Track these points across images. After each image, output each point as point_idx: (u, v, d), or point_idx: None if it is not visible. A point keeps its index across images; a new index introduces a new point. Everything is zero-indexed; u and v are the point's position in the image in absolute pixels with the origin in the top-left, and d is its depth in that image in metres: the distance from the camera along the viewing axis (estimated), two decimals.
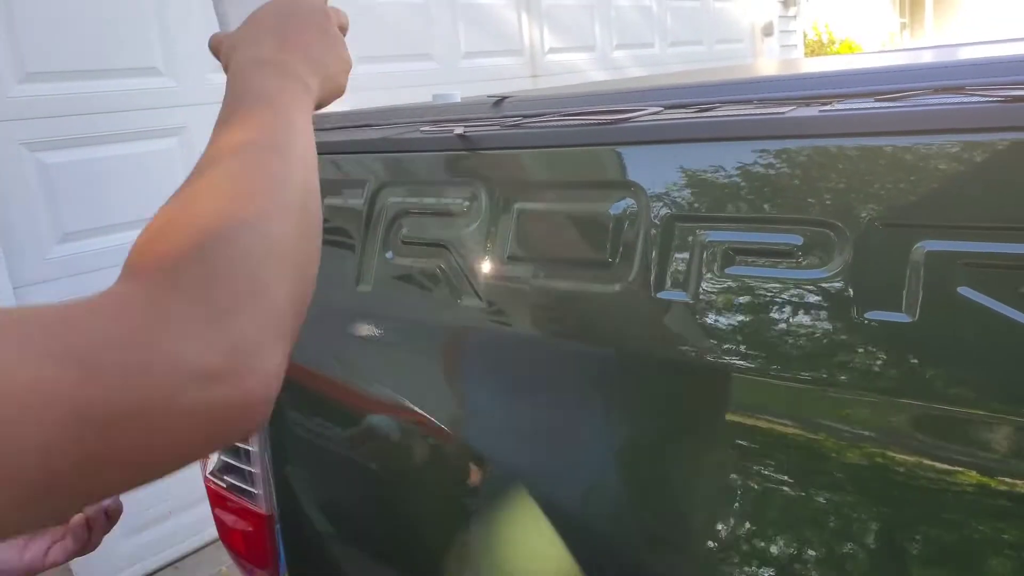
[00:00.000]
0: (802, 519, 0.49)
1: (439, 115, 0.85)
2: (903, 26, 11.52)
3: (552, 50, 3.52)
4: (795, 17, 5.26)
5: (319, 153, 0.82)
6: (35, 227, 1.95)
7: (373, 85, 2.40)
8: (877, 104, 0.50)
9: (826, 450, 0.49)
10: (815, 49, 8.51)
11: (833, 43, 8.86)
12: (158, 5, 2.14)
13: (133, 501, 2.15)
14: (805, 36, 6.29)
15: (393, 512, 0.79)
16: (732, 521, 0.53)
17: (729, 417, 0.53)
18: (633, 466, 0.59)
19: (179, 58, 2.20)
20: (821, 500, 0.48)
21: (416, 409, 0.73)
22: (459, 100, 0.92)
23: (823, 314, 0.48)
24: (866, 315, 0.45)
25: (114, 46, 2.06)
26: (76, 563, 2.01)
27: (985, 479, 0.42)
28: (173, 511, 2.27)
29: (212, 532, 2.33)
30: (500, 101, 0.80)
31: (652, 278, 0.54)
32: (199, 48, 2.39)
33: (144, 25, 2.12)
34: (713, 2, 4.53)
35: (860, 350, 0.46)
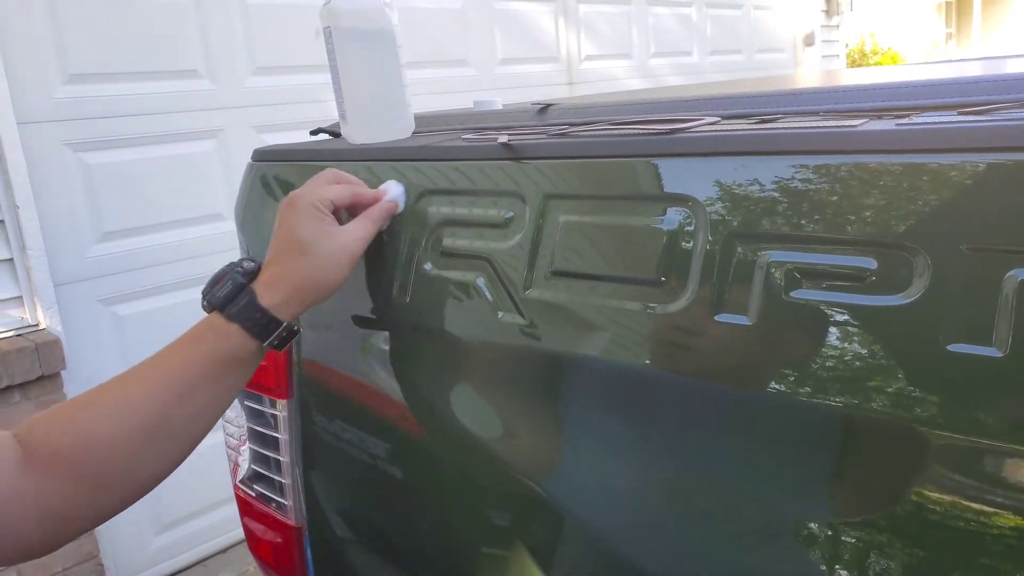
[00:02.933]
0: (890, 569, 0.45)
1: (481, 123, 0.83)
2: (949, 36, 11.26)
3: (588, 57, 3.49)
4: (838, 27, 5.16)
5: (355, 160, 0.81)
6: (76, 226, 1.97)
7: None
8: (961, 118, 0.46)
9: (897, 491, 0.45)
10: (857, 60, 8.35)
11: (876, 53, 8.69)
12: (198, 9, 2.16)
13: (162, 500, 2.17)
14: (847, 46, 6.18)
15: (423, 528, 0.77)
16: (779, 558, 0.50)
17: (788, 451, 0.50)
18: (676, 495, 0.56)
19: (218, 61, 2.21)
20: (903, 545, 0.44)
21: (450, 423, 0.70)
22: (501, 107, 0.90)
23: (899, 345, 0.44)
24: (949, 347, 0.42)
25: (155, 49, 2.09)
26: (107, 559, 2.03)
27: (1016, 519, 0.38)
28: (201, 510, 2.28)
29: (240, 532, 2.34)
30: (545, 109, 0.78)
31: (709, 299, 0.51)
32: (238, 51, 2.44)
33: (184, 28, 2.14)
34: (754, 11, 4.46)
35: (941, 386, 0.42)
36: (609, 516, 0.59)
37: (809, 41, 4.92)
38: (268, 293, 0.62)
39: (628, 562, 0.58)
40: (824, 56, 5.08)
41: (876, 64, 8.67)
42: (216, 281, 0.63)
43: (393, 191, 0.72)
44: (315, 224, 0.63)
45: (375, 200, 0.70)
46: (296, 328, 0.64)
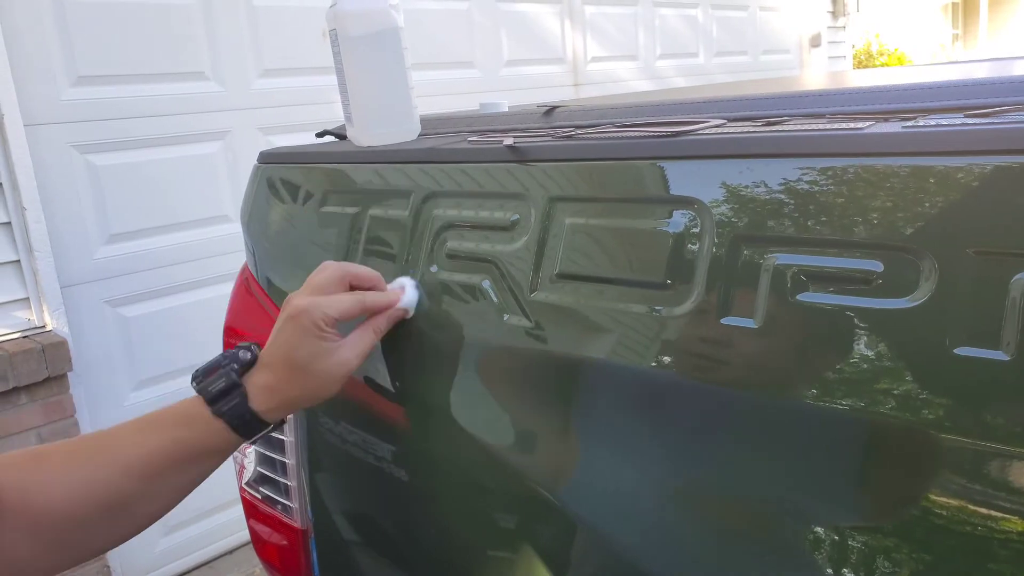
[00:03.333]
0: (897, 574, 0.45)
1: (487, 125, 0.83)
2: (955, 37, 11.23)
3: (595, 59, 3.49)
4: (844, 28, 5.15)
5: (365, 163, 0.81)
6: (83, 228, 1.98)
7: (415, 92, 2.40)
8: (967, 120, 0.46)
9: (903, 495, 0.45)
10: (863, 61, 8.33)
11: (883, 54, 8.67)
12: (205, 11, 2.17)
13: None
14: (853, 47, 6.16)
15: (429, 531, 0.76)
16: (779, 561, 0.49)
17: (794, 455, 0.50)
18: (681, 498, 0.56)
19: (225, 63, 2.22)
20: (909, 550, 0.44)
21: (455, 426, 0.70)
22: (507, 109, 0.90)
23: (905, 348, 0.44)
24: (956, 351, 0.42)
25: (162, 51, 2.09)
26: (113, 560, 2.04)
27: None
28: (208, 512, 2.28)
29: (246, 533, 2.34)
30: (551, 111, 0.78)
31: (715, 302, 0.51)
32: (245, 53, 2.45)
33: (191, 30, 2.15)
34: (760, 12, 4.45)
35: (948, 389, 0.42)
36: (615, 520, 0.59)
37: (815, 42, 4.91)
38: (260, 398, 0.62)
39: (632, 566, 0.58)
40: (830, 57, 5.07)
41: (882, 65, 8.65)
42: (210, 371, 0.63)
43: (406, 298, 0.68)
44: (314, 344, 0.62)
45: (385, 307, 0.67)
46: (277, 425, 0.65)
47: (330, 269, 0.67)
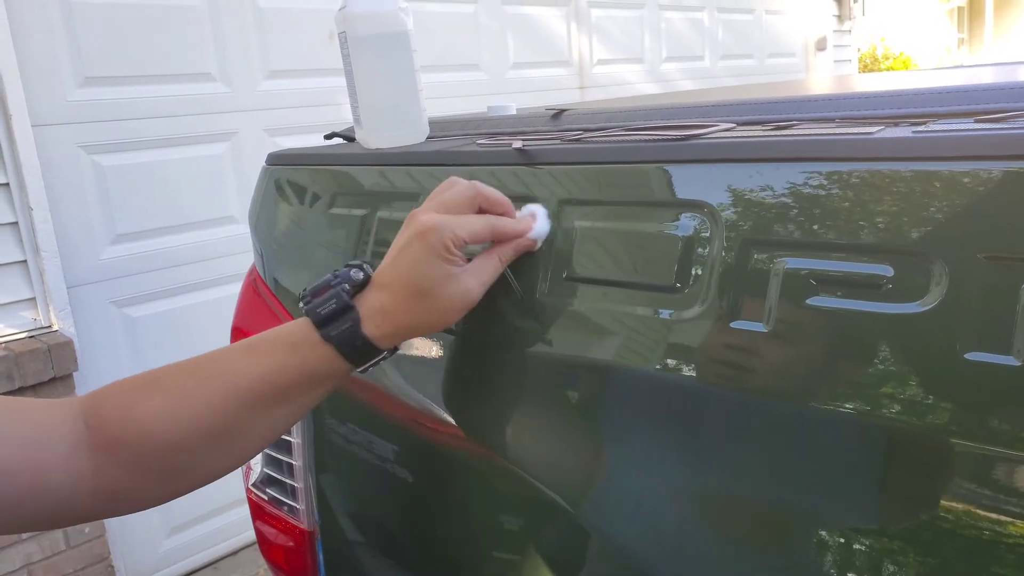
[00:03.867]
0: None
1: (495, 127, 0.83)
2: (961, 41, 11.21)
3: (601, 62, 3.50)
4: (850, 32, 5.15)
5: (374, 165, 0.81)
6: (90, 228, 1.99)
7: None
8: (978, 125, 0.46)
9: (912, 500, 0.45)
10: (869, 64, 8.32)
11: (888, 58, 8.66)
12: (212, 12, 2.18)
13: (174, 503, 2.17)
14: (859, 51, 6.15)
15: (436, 533, 0.77)
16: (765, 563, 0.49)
17: (801, 459, 0.50)
18: (690, 503, 0.56)
19: (232, 64, 2.23)
20: (916, 554, 0.44)
21: (462, 428, 0.71)
22: (515, 112, 0.90)
23: (915, 353, 0.44)
24: (966, 356, 0.42)
25: (169, 52, 2.10)
26: (117, 560, 2.04)
27: None
28: (213, 512, 2.29)
29: (249, 535, 2.34)
30: (559, 114, 0.78)
31: (724, 306, 0.51)
32: (251, 55, 2.46)
33: (198, 32, 2.16)
34: (766, 15, 4.46)
35: (958, 394, 0.42)
36: (622, 523, 0.59)
37: (821, 46, 4.91)
38: (373, 323, 0.57)
39: (639, 569, 0.58)
40: (836, 61, 5.06)
41: (888, 69, 8.64)
42: (319, 291, 0.58)
43: (537, 227, 0.62)
44: (441, 267, 0.56)
45: (515, 235, 0.61)
46: (390, 352, 0.60)
47: (460, 186, 0.60)
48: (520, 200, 0.66)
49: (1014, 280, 0.40)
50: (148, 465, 0.55)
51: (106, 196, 2.01)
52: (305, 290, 0.59)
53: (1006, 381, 0.40)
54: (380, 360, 0.59)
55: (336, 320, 0.56)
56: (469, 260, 0.59)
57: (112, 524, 2.00)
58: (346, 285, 0.57)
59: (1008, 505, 0.41)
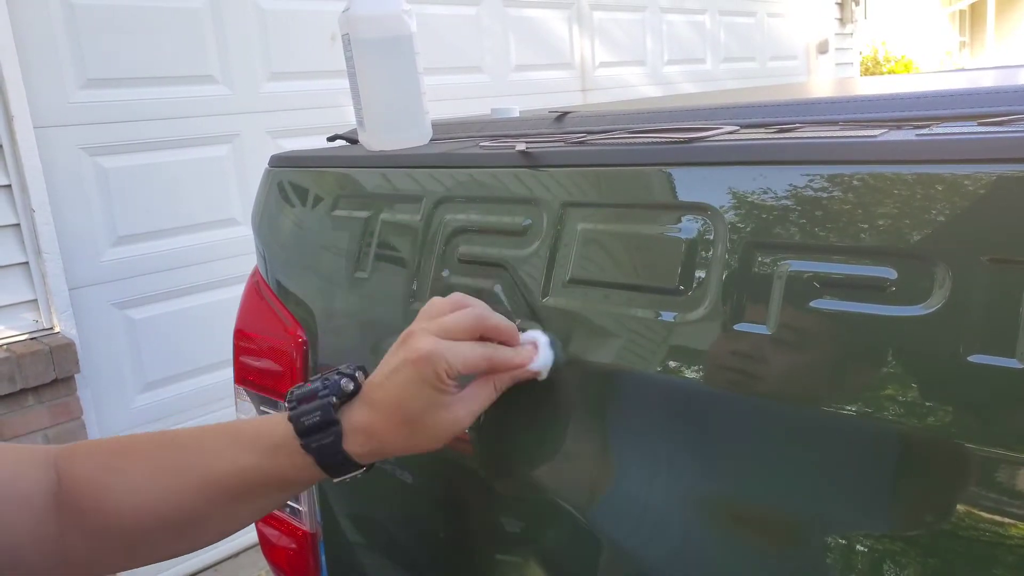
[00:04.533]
0: None
1: (499, 130, 0.84)
2: (963, 44, 11.21)
3: (603, 64, 3.50)
4: (851, 35, 5.15)
5: (377, 167, 0.81)
6: (91, 230, 1.99)
7: None
8: (981, 129, 0.46)
9: (916, 503, 0.45)
10: (870, 68, 8.33)
11: (889, 61, 8.66)
12: (214, 14, 2.18)
13: None
14: (861, 54, 6.16)
15: (439, 535, 0.77)
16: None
17: (803, 461, 0.50)
18: (694, 507, 0.56)
19: (234, 66, 2.23)
20: (928, 555, 0.44)
21: (464, 431, 0.70)
22: (518, 115, 0.90)
23: (919, 356, 0.44)
24: (969, 358, 0.42)
25: (171, 54, 2.11)
26: None
27: None
28: None
29: (251, 537, 2.34)
30: (562, 116, 0.78)
31: (728, 309, 0.51)
32: (254, 57, 2.45)
33: (201, 34, 2.16)
34: (767, 18, 4.46)
35: (962, 396, 0.42)
36: (627, 525, 0.59)
37: (823, 49, 4.91)
38: (356, 440, 0.56)
39: (638, 569, 0.58)
40: (837, 64, 5.07)
41: (889, 72, 8.64)
42: (307, 398, 0.57)
43: (540, 358, 0.59)
44: (431, 396, 0.55)
45: (514, 368, 0.58)
46: (367, 468, 0.59)
47: (462, 313, 0.58)
48: (523, 203, 0.66)
49: (1017, 283, 0.40)
50: (112, 540, 0.56)
51: (108, 198, 2.01)
52: (293, 392, 0.58)
53: (1009, 384, 0.40)
54: (356, 475, 0.58)
55: (319, 432, 0.55)
56: (463, 383, 0.57)
57: None
58: (333, 398, 0.56)
59: (1012, 507, 0.41)
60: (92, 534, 0.55)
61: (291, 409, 0.56)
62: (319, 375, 0.59)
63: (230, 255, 2.22)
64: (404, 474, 0.78)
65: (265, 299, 0.92)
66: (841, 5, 5.04)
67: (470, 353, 0.56)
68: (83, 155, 1.96)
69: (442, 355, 0.54)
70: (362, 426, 0.56)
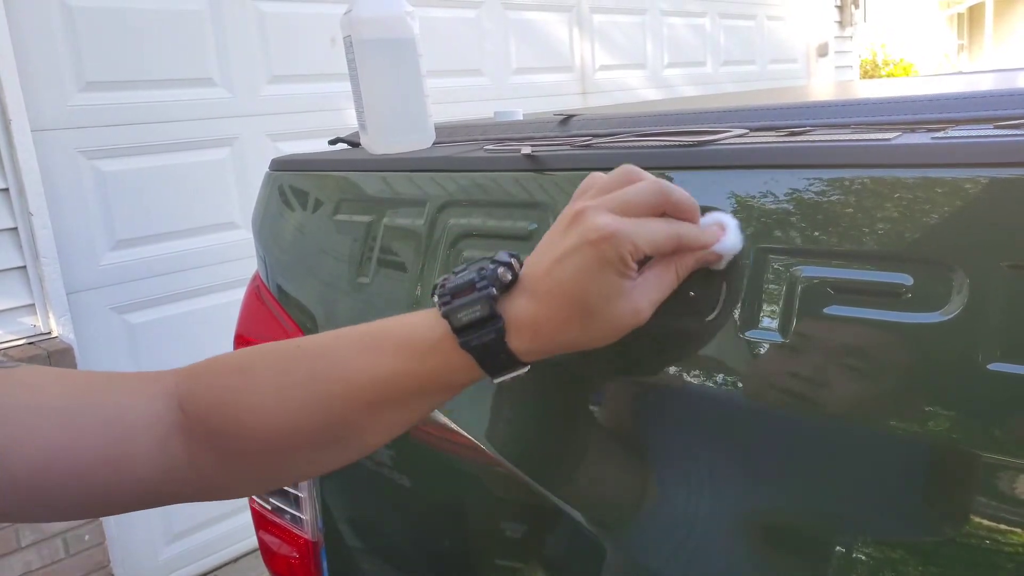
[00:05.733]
0: None
1: (502, 133, 0.83)
2: (961, 47, 11.23)
3: (603, 67, 3.49)
4: (851, 37, 5.15)
5: (379, 171, 0.80)
6: (90, 234, 1.98)
7: None
8: (998, 131, 0.45)
9: (934, 512, 0.44)
10: (869, 71, 8.34)
11: (888, 64, 8.68)
12: (214, 17, 2.17)
13: (172, 510, 2.16)
14: (860, 57, 6.16)
15: (442, 542, 0.76)
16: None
17: (815, 469, 0.49)
18: (699, 513, 0.55)
19: (233, 69, 2.23)
20: (945, 564, 0.43)
21: (467, 435, 0.70)
22: (521, 117, 0.90)
23: (937, 363, 0.43)
24: (989, 367, 0.41)
25: (170, 57, 2.10)
26: (117, 569, 2.03)
27: None
28: (213, 520, 2.27)
29: (251, 542, 2.32)
30: (567, 119, 0.77)
31: (739, 315, 0.50)
32: (253, 60, 2.45)
33: (200, 37, 2.15)
34: (767, 21, 4.46)
35: (980, 404, 0.41)
36: (626, 529, 0.58)
37: (822, 51, 4.91)
38: (521, 335, 0.48)
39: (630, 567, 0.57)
40: (837, 67, 5.07)
41: (889, 75, 8.67)
42: (461, 291, 0.49)
43: (727, 240, 0.50)
44: (612, 282, 0.46)
45: (699, 247, 0.50)
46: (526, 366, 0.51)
47: (643, 185, 0.49)
48: (528, 207, 0.65)
49: None
50: (249, 461, 0.51)
51: (106, 201, 2.00)
52: (442, 286, 0.50)
53: None
54: (519, 374, 0.50)
55: (479, 328, 0.48)
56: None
57: (112, 531, 1.99)
58: (493, 289, 0.48)
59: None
60: (225, 457, 0.51)
61: (444, 304, 0.49)
62: (465, 265, 0.52)
63: (230, 259, 2.21)
64: (407, 480, 0.77)
65: (266, 304, 0.91)
66: (841, 8, 5.05)
67: (657, 231, 0.47)
68: (81, 158, 1.95)
69: (627, 235, 0.46)
70: (527, 320, 0.48)
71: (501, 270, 0.49)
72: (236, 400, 0.51)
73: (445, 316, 0.48)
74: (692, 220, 0.50)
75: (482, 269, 0.49)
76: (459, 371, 0.49)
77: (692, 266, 0.50)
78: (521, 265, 0.50)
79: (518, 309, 0.48)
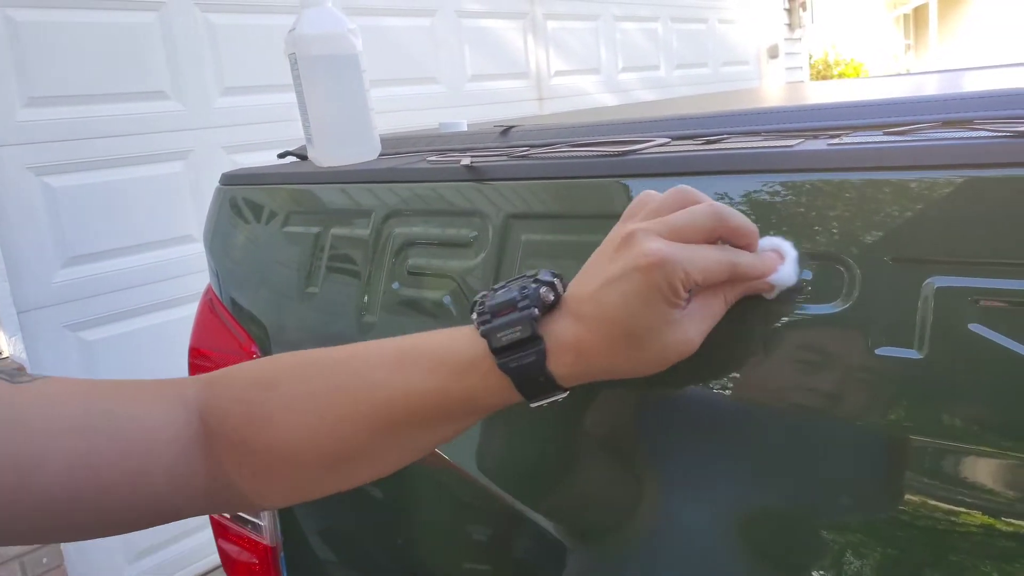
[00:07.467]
0: None
1: (446, 144, 0.86)
2: (908, 47, 11.56)
3: (558, 73, 3.54)
4: (800, 39, 5.29)
5: (327, 183, 0.82)
6: (40, 251, 1.96)
7: (381, 108, 2.42)
8: (886, 138, 0.50)
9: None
10: (821, 71, 8.55)
11: (839, 64, 8.90)
12: (164, 30, 2.17)
13: None
14: (811, 58, 6.32)
15: (403, 547, 0.78)
16: None
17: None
18: (666, 514, 0.58)
19: (185, 82, 2.22)
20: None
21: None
22: (466, 128, 0.93)
23: (834, 350, 0.47)
24: (877, 352, 0.45)
25: (121, 70, 2.08)
26: None
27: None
28: (176, 537, 2.25)
29: (215, 559, 2.30)
30: (507, 130, 0.80)
31: None
32: (205, 72, 2.44)
33: (151, 50, 2.14)
34: (719, 24, 4.56)
35: (872, 387, 0.45)
36: (599, 535, 0.60)
37: (773, 53, 5.04)
38: (562, 360, 0.46)
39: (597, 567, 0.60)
40: (788, 68, 5.20)
41: (840, 75, 8.91)
42: (502, 310, 0.47)
43: (784, 271, 0.48)
44: (662, 312, 0.44)
45: (756, 277, 0.48)
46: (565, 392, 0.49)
47: (699, 210, 0.46)
48: (469, 216, 0.68)
49: (916, 279, 0.44)
50: (266, 473, 0.50)
51: (57, 218, 1.98)
52: (482, 303, 0.48)
53: (910, 375, 0.44)
54: (557, 399, 0.48)
55: (518, 350, 0.46)
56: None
57: (71, 552, 1.97)
58: (535, 310, 0.46)
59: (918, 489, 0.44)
60: (245, 470, 0.50)
61: (483, 323, 0.47)
62: (505, 282, 0.50)
63: (187, 272, 2.20)
64: (367, 486, 0.79)
65: (219, 316, 0.92)
66: (789, 11, 5.19)
67: (711, 261, 0.45)
68: (30, 175, 1.93)
69: (679, 263, 0.43)
70: (570, 343, 0.46)
71: (544, 290, 0.47)
72: (253, 413, 0.50)
73: (484, 335, 0.47)
74: (750, 247, 0.48)
75: (524, 288, 0.48)
76: (494, 393, 0.48)
77: (741, 294, 0.49)
78: (564, 285, 0.49)
79: (560, 331, 0.46)
